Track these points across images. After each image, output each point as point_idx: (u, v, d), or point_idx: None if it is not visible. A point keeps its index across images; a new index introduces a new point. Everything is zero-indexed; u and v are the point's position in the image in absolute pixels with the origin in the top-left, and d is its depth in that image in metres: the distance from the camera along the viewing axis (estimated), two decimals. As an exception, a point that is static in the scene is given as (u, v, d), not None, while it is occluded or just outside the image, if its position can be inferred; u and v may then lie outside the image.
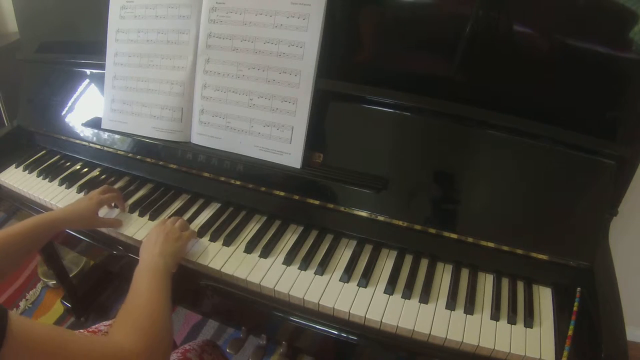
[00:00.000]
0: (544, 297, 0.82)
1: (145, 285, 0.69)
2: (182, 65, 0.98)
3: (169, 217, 0.92)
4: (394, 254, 0.89)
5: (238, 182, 0.97)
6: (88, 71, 1.16)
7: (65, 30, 1.21)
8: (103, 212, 0.99)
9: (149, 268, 0.74)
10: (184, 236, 0.85)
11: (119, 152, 1.09)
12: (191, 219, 0.98)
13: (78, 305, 1.61)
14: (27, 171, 1.18)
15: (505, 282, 0.84)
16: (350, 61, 0.93)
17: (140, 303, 0.66)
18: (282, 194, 0.94)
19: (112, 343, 0.57)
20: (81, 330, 0.89)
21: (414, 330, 0.75)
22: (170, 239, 0.82)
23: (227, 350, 1.05)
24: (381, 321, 0.76)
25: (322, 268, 0.85)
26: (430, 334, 0.74)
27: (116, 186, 1.10)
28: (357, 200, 0.88)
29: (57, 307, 1.65)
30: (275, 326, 0.93)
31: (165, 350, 0.64)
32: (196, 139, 1.00)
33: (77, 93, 1.18)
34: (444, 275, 0.85)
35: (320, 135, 0.91)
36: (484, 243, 0.83)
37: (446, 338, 0.74)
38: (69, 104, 1.18)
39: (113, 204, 1.01)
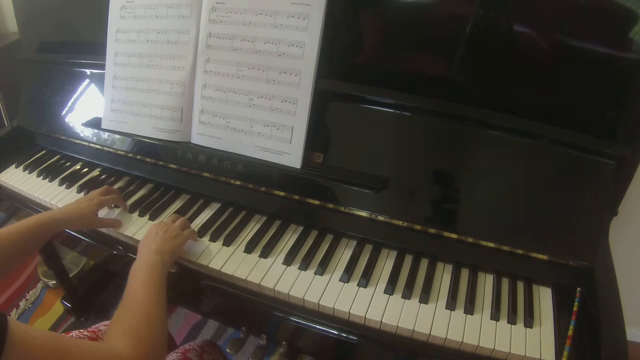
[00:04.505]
0: (544, 297, 0.82)
1: (141, 285, 0.68)
2: (182, 65, 0.98)
3: (170, 215, 0.92)
4: (394, 254, 0.89)
5: (238, 182, 0.97)
6: (88, 71, 1.16)
7: (65, 30, 1.21)
8: (103, 212, 0.99)
9: (145, 265, 0.73)
10: (183, 234, 0.85)
11: (119, 152, 1.09)
12: (191, 219, 0.98)
13: (78, 305, 1.60)
14: (27, 171, 1.18)
15: (505, 282, 0.84)
16: (350, 61, 0.93)
17: (136, 305, 0.65)
18: (282, 194, 0.94)
19: (110, 350, 0.57)
20: (81, 330, 0.89)
21: (414, 330, 0.75)
22: (169, 236, 0.82)
23: (227, 350, 1.05)
24: (381, 321, 0.76)
25: (322, 268, 0.85)
26: (430, 334, 0.74)
27: (116, 186, 1.10)
28: (357, 200, 0.88)
29: (57, 307, 1.65)
30: (275, 326, 0.93)
31: (161, 352, 0.64)
32: (196, 139, 1.00)
33: (77, 93, 1.18)
34: (444, 275, 0.85)
35: (320, 135, 0.91)
36: (484, 243, 0.83)
37: (446, 338, 0.74)
38: (69, 104, 1.18)
39: (113, 205, 1.01)
